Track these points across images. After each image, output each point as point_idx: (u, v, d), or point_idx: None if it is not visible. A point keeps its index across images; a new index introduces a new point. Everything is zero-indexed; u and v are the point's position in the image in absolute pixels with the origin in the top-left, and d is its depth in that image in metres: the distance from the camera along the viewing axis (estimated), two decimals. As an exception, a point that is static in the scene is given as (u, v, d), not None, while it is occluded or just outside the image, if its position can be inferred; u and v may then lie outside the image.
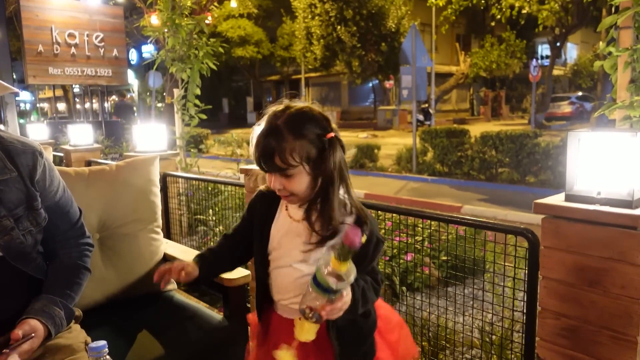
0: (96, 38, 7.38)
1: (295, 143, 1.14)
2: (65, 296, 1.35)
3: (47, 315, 1.26)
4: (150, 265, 1.91)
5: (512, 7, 12.99)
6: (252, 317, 1.44)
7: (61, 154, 5.46)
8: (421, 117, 19.22)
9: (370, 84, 25.77)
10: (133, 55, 25.73)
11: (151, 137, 4.04)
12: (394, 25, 20.51)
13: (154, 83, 12.51)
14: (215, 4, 9.95)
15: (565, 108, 21.80)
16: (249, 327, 1.47)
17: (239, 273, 1.75)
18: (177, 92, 4.28)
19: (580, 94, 23.29)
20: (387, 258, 2.95)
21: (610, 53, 1.98)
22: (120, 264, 1.85)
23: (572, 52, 30.72)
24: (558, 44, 18.65)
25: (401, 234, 3.03)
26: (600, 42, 2.07)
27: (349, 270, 1.04)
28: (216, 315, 1.83)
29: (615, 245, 1.28)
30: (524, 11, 13.34)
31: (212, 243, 3.05)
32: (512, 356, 1.92)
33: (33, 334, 1.20)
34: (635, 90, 1.91)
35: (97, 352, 1.00)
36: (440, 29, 16.43)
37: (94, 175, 1.88)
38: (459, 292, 2.42)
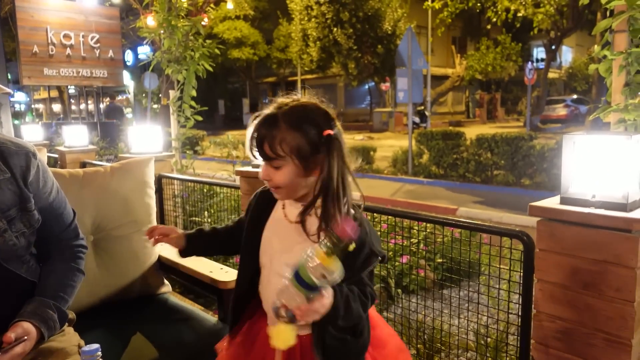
0: (92, 39, 7.36)
1: (287, 133, 1.12)
2: (59, 299, 1.33)
3: (40, 318, 1.25)
4: (144, 267, 1.90)
5: (507, 10, 13.05)
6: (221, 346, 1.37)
7: (56, 156, 5.44)
8: (417, 120, 19.27)
9: (367, 86, 25.82)
10: (129, 57, 25.66)
11: (147, 138, 4.03)
12: (390, 28, 20.56)
13: (150, 84, 12.47)
14: (212, 5, 9.94)
15: (561, 111, 21.91)
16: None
17: (234, 276, 1.74)
18: (173, 94, 4.27)
19: (575, 96, 23.42)
20: (383, 260, 2.94)
21: (605, 56, 1.99)
22: (115, 266, 1.84)
23: (567, 55, 30.88)
24: (553, 47, 18.72)
25: (396, 237, 3.02)
26: (595, 46, 2.07)
27: (336, 267, 0.96)
28: (211, 317, 1.82)
29: (610, 248, 1.28)
30: (519, 14, 13.40)
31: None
32: (508, 358, 1.92)
33: (26, 337, 1.19)
34: (630, 93, 1.92)
35: (90, 356, 0.99)
36: (436, 32, 16.47)
37: (88, 177, 1.87)
38: (454, 295, 2.42)
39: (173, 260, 1.96)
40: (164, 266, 2.00)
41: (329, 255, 0.95)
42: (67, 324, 1.42)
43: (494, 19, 13.25)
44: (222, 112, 31.41)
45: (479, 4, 13.24)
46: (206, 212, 3.68)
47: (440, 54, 27.09)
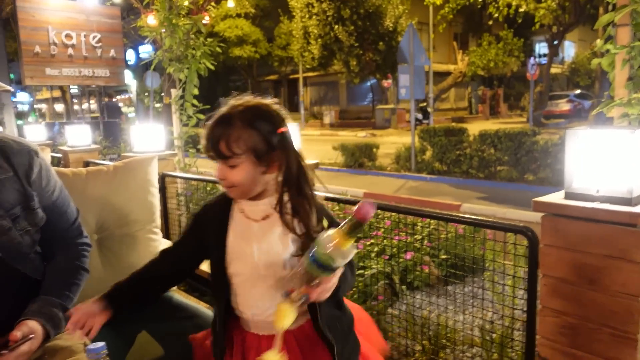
0: (93, 38, 7.36)
1: (243, 132, 1.15)
2: (64, 297, 1.34)
3: (46, 317, 1.26)
4: (149, 265, 1.90)
5: (509, 5, 12.99)
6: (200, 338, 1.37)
7: (59, 155, 5.45)
8: (420, 116, 19.24)
9: (369, 83, 25.77)
10: (130, 56, 25.69)
11: (149, 137, 4.03)
12: (391, 25, 20.50)
13: (152, 83, 12.50)
14: (213, 3, 9.94)
15: (564, 106, 21.84)
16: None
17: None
18: (175, 92, 4.27)
19: (578, 91, 23.32)
20: (387, 257, 2.95)
21: (608, 51, 1.98)
22: (119, 265, 1.84)
23: (569, 50, 30.79)
24: (555, 42, 18.65)
25: (400, 233, 3.03)
26: (598, 40, 2.06)
27: (351, 247, 1.01)
28: (215, 315, 1.82)
29: (614, 243, 1.28)
30: (521, 9, 13.34)
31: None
32: (513, 354, 1.92)
33: (32, 336, 1.20)
34: (633, 87, 1.91)
35: (95, 354, 1.00)
36: (437, 28, 16.43)
37: (91, 176, 1.87)
38: (458, 291, 2.42)
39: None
40: (168, 264, 2.00)
41: (347, 238, 1.00)
42: (72, 322, 1.43)
43: (496, 15, 13.18)
44: (224, 111, 31.41)
45: (480, 0, 13.19)
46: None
47: (442, 50, 27.02)
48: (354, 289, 2.69)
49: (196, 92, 4.20)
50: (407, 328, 2.28)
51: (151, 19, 4.99)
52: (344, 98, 28.88)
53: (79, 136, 5.51)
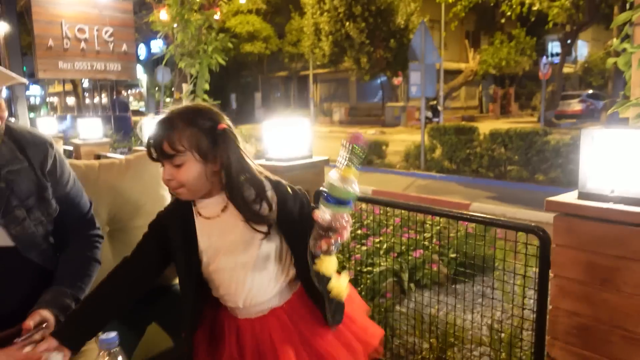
0: (105, 33, 7.40)
1: (185, 130, 1.17)
2: (76, 288, 1.35)
3: (59, 306, 1.27)
4: (159, 258, 1.92)
5: (522, 3, 12.88)
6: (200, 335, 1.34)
7: (70, 148, 5.50)
8: (430, 114, 19.13)
9: (379, 81, 25.68)
10: (141, 51, 25.83)
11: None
12: (402, 22, 20.41)
13: (163, 78, 12.53)
14: (224, -1, 9.93)
15: (576, 106, 21.62)
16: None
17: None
18: (186, 87, 4.29)
19: (590, 91, 23.06)
20: (396, 254, 2.94)
21: (624, 50, 1.95)
22: (130, 257, 1.85)
23: (582, 49, 30.44)
24: (569, 41, 18.45)
25: (409, 231, 3.02)
26: (614, 39, 2.03)
27: (356, 174, 1.07)
28: (225, 309, 1.83)
29: (628, 244, 1.27)
30: (534, 8, 13.22)
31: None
32: (522, 354, 1.91)
33: (44, 325, 1.21)
34: (650, 87, 1.88)
35: (107, 344, 1.00)
36: (449, 26, 16.34)
37: (104, 169, 1.88)
38: (467, 290, 2.41)
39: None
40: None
41: (348, 168, 1.06)
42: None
43: (509, 13, 13.07)
44: (234, 107, 31.51)
45: (493, -2, 13.10)
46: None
47: (454, 48, 26.85)
48: (362, 285, 2.69)
49: (207, 87, 4.22)
50: (414, 326, 2.27)
51: (163, 14, 5.01)
52: (354, 95, 28.82)
53: (91, 129, 5.55)
